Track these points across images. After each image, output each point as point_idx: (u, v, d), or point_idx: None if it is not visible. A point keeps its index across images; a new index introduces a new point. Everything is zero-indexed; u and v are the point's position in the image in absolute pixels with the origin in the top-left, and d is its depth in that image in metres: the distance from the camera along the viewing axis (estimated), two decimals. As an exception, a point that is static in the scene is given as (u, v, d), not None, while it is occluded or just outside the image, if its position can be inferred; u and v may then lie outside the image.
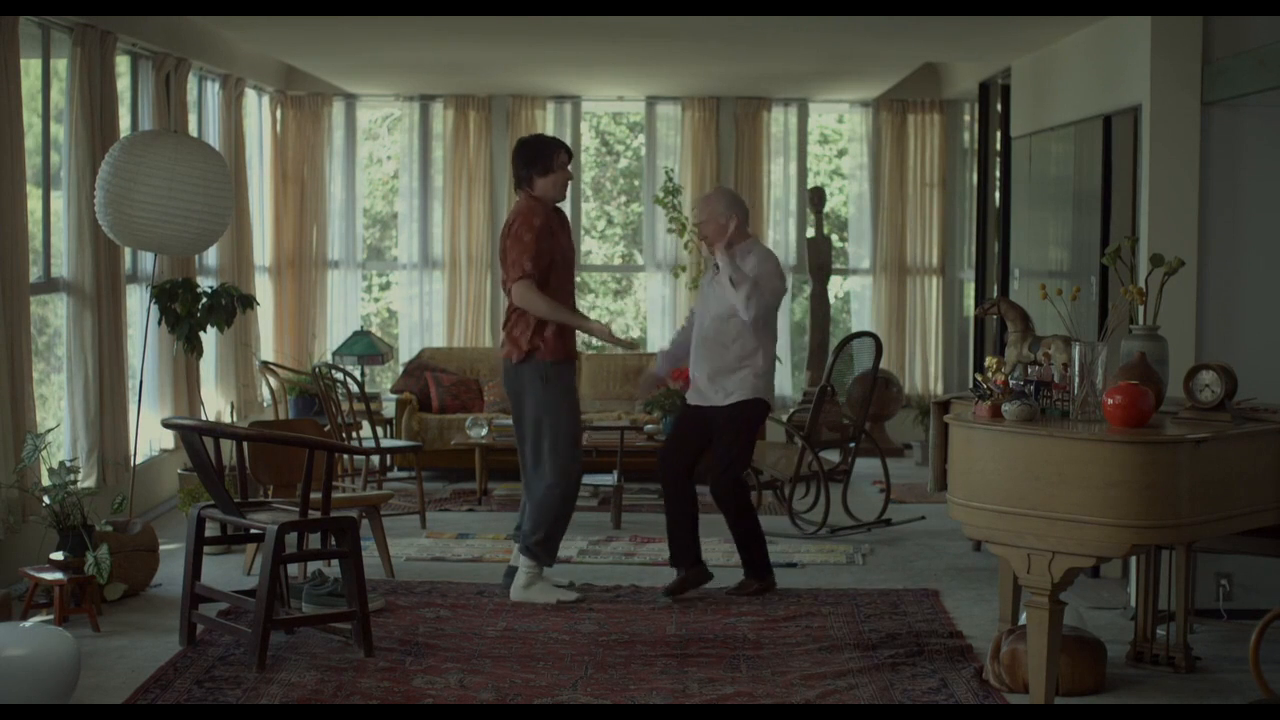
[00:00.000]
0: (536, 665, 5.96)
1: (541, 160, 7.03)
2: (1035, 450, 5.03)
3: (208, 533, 6.36)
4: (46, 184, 7.86)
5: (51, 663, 5.24)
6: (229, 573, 7.38)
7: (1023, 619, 5.69)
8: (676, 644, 6.31)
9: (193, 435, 6.18)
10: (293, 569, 6.87)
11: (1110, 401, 5.05)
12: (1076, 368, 5.25)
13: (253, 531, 6.33)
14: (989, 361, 5.40)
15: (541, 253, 6.91)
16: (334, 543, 6.24)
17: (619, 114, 13.61)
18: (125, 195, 7.27)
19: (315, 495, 6.06)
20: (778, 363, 12.14)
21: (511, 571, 7.21)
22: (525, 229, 6.92)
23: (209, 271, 9.90)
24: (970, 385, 9.70)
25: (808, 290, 12.25)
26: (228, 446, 6.70)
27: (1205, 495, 5.01)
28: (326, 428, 8.89)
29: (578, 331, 7.18)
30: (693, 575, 7.13)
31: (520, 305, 6.94)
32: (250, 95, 11.20)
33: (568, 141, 12.38)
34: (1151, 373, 5.43)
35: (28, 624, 5.64)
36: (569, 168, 7.10)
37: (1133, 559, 6.50)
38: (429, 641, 6.28)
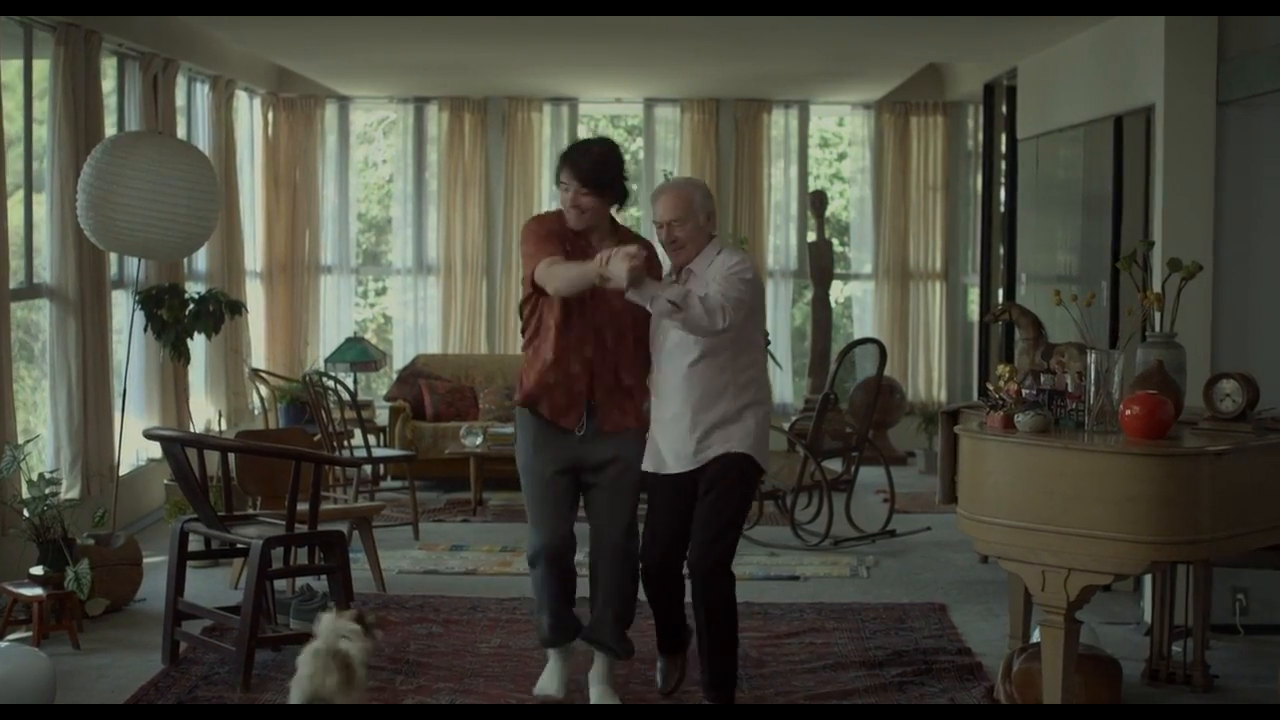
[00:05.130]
0: (531, 684, 5.76)
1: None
2: (1049, 463, 4.82)
3: (193, 546, 6.18)
4: (29, 187, 7.67)
5: (25, 685, 5.10)
6: (215, 587, 7.17)
7: (1035, 636, 5.49)
8: (676, 662, 6.10)
9: (174, 446, 5.98)
10: (281, 583, 6.68)
11: (1128, 412, 4.85)
12: (1092, 376, 5.05)
13: (238, 546, 6.13)
14: (1001, 370, 5.19)
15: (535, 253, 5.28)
16: (322, 557, 6.05)
17: (617, 116, 13.41)
18: (107, 198, 7.06)
19: (303, 507, 5.86)
20: (777, 369, 12.09)
21: None
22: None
23: (199, 277, 9.71)
24: (978, 394, 9.52)
25: (809, 295, 12.07)
26: (214, 457, 6.50)
27: (1227, 509, 4.80)
28: (317, 436, 8.69)
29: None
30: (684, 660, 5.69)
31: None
32: (241, 97, 11.00)
33: (564, 145, 12.24)
34: (1170, 382, 5.23)
35: (2, 644, 5.46)
36: (566, 185, 5.25)
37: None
38: (420, 660, 6.07)
